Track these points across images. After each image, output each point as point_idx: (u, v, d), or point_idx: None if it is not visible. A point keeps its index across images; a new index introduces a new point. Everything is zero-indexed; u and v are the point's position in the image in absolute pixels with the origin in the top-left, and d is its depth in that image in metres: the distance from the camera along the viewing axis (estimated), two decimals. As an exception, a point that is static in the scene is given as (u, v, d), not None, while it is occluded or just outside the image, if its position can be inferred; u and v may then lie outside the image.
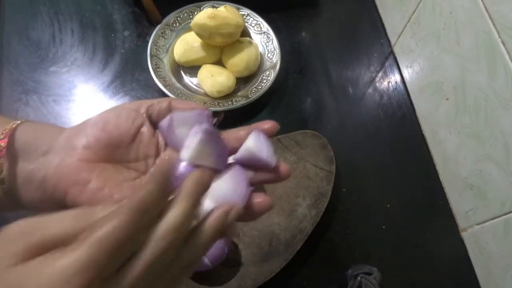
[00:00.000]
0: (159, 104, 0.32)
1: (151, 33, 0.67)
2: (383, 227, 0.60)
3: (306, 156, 0.60)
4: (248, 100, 0.63)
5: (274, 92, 0.67)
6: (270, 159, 0.30)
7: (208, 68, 0.65)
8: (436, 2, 0.58)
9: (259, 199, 0.29)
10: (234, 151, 0.31)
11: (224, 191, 0.28)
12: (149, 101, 0.33)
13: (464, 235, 0.59)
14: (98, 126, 0.30)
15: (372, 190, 0.62)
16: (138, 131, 0.32)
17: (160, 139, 0.33)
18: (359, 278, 0.53)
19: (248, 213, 0.29)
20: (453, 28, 0.55)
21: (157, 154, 0.33)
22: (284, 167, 0.31)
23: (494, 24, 0.47)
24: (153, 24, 0.70)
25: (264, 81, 0.66)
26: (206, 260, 0.49)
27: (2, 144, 0.29)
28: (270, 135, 0.31)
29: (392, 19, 0.73)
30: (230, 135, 0.32)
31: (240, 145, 0.31)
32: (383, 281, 0.53)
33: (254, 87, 0.65)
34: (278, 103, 0.68)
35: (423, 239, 0.59)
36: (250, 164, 0.31)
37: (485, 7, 0.48)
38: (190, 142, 0.28)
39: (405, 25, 0.68)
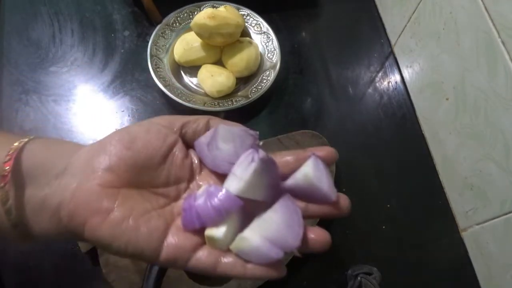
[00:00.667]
0: (196, 122, 0.28)
1: (151, 33, 0.67)
2: (383, 227, 0.60)
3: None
4: (248, 100, 0.63)
5: (274, 92, 0.67)
6: (331, 191, 0.26)
7: (208, 68, 0.65)
8: (436, 2, 0.58)
9: (313, 235, 0.26)
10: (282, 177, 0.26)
11: (277, 226, 0.24)
12: (184, 118, 0.29)
13: (464, 235, 0.59)
14: (123, 144, 0.26)
15: (372, 190, 0.62)
16: (170, 151, 0.27)
17: (195, 161, 0.29)
18: (359, 278, 0.53)
19: (301, 250, 0.25)
20: (453, 28, 0.55)
21: (190, 178, 0.29)
22: (344, 201, 0.27)
23: (494, 24, 0.47)
24: (153, 24, 0.70)
25: (264, 81, 0.66)
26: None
27: (7, 167, 0.25)
28: (329, 164, 0.27)
29: (392, 19, 0.73)
30: (275, 158, 0.27)
31: (288, 171, 0.26)
32: (383, 281, 0.53)
33: (254, 87, 0.65)
34: (278, 103, 0.68)
35: (423, 239, 0.59)
36: (304, 194, 0.26)
37: (485, 7, 0.48)
38: (242, 171, 0.24)
39: (405, 25, 0.68)
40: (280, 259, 0.23)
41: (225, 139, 0.26)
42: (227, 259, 0.25)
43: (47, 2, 0.73)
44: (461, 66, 0.55)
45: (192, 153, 0.29)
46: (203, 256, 0.26)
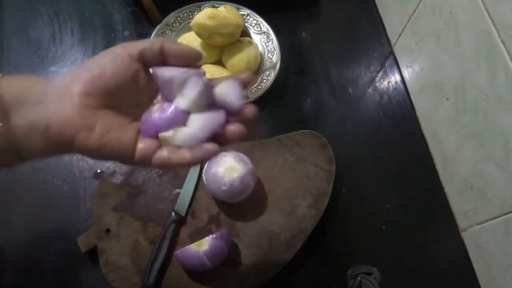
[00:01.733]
0: (151, 48, 0.32)
1: (151, 33, 0.67)
2: (383, 227, 0.60)
3: (306, 156, 0.60)
4: (248, 100, 0.63)
5: (274, 92, 0.67)
6: (235, 101, 0.33)
7: (208, 68, 0.65)
8: (436, 2, 0.58)
9: (232, 127, 0.33)
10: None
11: (204, 119, 0.32)
12: (140, 44, 0.32)
13: (464, 235, 0.59)
14: (94, 73, 0.31)
15: (372, 190, 0.62)
16: (135, 77, 0.32)
17: (154, 85, 0.34)
18: (359, 278, 0.53)
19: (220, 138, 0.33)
20: (453, 28, 0.55)
21: (151, 99, 0.34)
22: (249, 108, 0.33)
23: (494, 24, 0.47)
24: (153, 24, 0.70)
25: (264, 81, 0.66)
26: (206, 260, 0.49)
27: None
28: (246, 86, 0.34)
29: (392, 19, 0.73)
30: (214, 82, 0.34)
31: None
32: (383, 281, 0.53)
33: (254, 87, 0.65)
34: (278, 103, 0.68)
35: (423, 239, 0.59)
36: (223, 106, 0.33)
37: (485, 7, 0.48)
38: (189, 92, 0.31)
39: (405, 25, 0.68)
40: (207, 137, 0.31)
41: (173, 72, 0.32)
42: (177, 151, 0.32)
43: (47, 2, 0.73)
44: (461, 66, 0.55)
45: (152, 77, 0.34)
46: (160, 153, 0.32)
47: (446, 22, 0.56)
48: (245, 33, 0.70)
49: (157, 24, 0.68)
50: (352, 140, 0.66)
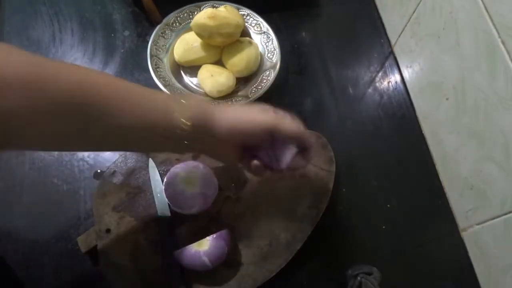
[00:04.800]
0: (284, 131, 0.47)
1: (151, 33, 0.67)
2: (383, 227, 0.60)
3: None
4: (248, 100, 0.63)
5: (274, 92, 0.67)
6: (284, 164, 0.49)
7: (208, 68, 0.65)
8: (436, 2, 0.58)
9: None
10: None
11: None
12: (280, 123, 0.47)
13: (464, 235, 0.59)
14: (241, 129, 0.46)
15: (372, 190, 0.62)
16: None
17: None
18: (359, 278, 0.53)
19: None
20: (453, 28, 0.55)
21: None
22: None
23: (494, 24, 0.47)
24: (153, 24, 0.70)
25: (264, 81, 0.66)
26: (206, 260, 0.49)
27: (189, 123, 0.43)
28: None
29: (392, 19, 0.73)
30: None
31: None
32: (383, 281, 0.53)
33: (254, 87, 0.65)
34: (278, 103, 0.67)
35: (423, 239, 0.59)
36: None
37: (485, 7, 0.48)
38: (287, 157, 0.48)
39: (405, 25, 0.68)
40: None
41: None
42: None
43: (47, 2, 0.73)
44: (461, 66, 0.55)
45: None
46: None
47: (446, 22, 0.56)
48: (245, 33, 0.70)
49: (157, 24, 0.68)
50: (352, 140, 0.66)
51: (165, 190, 0.54)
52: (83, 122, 0.38)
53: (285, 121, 0.49)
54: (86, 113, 0.37)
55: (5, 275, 0.53)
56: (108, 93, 0.39)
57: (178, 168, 0.54)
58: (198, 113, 0.44)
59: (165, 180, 0.54)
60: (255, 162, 0.49)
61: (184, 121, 0.43)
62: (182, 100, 0.45)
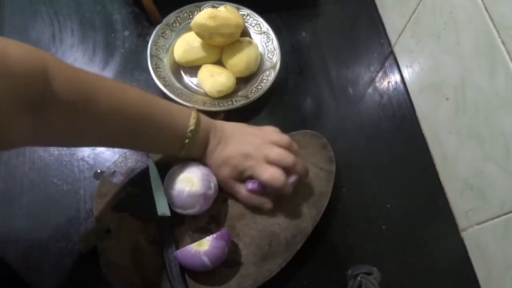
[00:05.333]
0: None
1: (151, 33, 0.67)
2: (383, 227, 0.60)
3: (306, 156, 0.60)
4: (248, 100, 0.63)
5: (274, 92, 0.67)
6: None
7: (208, 68, 0.65)
8: (436, 2, 0.58)
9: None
10: None
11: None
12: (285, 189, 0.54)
13: (464, 235, 0.59)
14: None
15: (372, 190, 0.62)
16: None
17: None
18: (359, 278, 0.53)
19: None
20: (453, 28, 0.55)
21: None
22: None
23: (494, 24, 0.47)
24: (153, 24, 0.70)
25: (264, 81, 0.66)
26: (206, 260, 0.49)
27: (189, 134, 0.51)
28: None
29: (392, 19, 0.73)
30: None
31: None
32: (383, 281, 0.53)
33: (254, 87, 0.65)
34: (278, 103, 0.68)
35: (423, 239, 0.59)
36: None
37: (485, 7, 0.48)
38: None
39: (405, 25, 0.68)
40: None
41: None
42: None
43: (47, 2, 0.73)
44: (461, 66, 0.55)
45: None
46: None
47: (446, 22, 0.56)
48: (245, 33, 0.70)
49: (157, 24, 0.68)
50: (352, 140, 0.66)
51: (165, 190, 0.54)
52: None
53: (288, 187, 0.54)
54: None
55: (7, 275, 0.53)
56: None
57: (178, 169, 0.54)
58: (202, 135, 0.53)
59: (165, 180, 0.54)
60: (247, 189, 0.55)
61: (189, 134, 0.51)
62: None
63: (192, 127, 0.50)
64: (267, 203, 0.55)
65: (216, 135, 0.54)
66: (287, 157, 0.53)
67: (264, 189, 0.54)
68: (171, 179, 0.53)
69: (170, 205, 0.54)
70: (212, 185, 0.54)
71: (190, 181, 0.53)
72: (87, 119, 0.43)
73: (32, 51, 0.38)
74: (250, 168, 0.53)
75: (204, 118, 0.54)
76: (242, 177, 0.55)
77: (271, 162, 0.53)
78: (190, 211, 0.53)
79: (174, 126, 0.50)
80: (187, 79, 0.68)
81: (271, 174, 0.52)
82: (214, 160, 0.54)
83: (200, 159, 0.55)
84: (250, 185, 0.54)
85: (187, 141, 0.51)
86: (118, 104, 0.45)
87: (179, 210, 0.54)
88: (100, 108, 0.43)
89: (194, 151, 0.54)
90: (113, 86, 0.46)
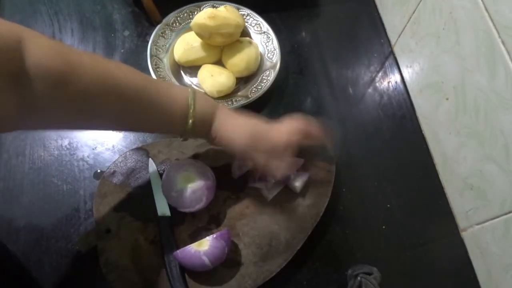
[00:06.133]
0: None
1: (151, 33, 0.67)
2: (383, 227, 0.60)
3: (306, 156, 0.60)
4: (248, 100, 0.63)
5: (274, 92, 0.67)
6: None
7: (208, 68, 0.65)
8: (436, 2, 0.58)
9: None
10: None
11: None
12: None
13: (464, 235, 0.59)
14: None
15: (372, 190, 0.62)
16: None
17: None
18: (359, 278, 0.53)
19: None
20: (453, 28, 0.55)
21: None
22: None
23: (494, 24, 0.47)
24: (153, 24, 0.70)
25: (264, 81, 0.66)
26: (206, 260, 0.49)
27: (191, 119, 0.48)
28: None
29: (392, 19, 0.73)
30: None
31: None
32: (383, 281, 0.53)
33: (254, 87, 0.65)
34: (278, 103, 0.68)
35: (423, 239, 0.59)
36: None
37: (485, 7, 0.48)
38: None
39: (405, 25, 0.68)
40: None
41: None
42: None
43: (47, 2, 0.73)
44: (461, 66, 0.55)
45: None
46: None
47: (446, 22, 0.56)
48: (245, 33, 0.70)
49: (157, 24, 0.68)
50: (352, 140, 0.66)
51: (167, 196, 0.54)
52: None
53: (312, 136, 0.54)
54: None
55: (15, 269, 0.53)
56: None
57: (172, 171, 0.54)
58: (203, 112, 0.49)
59: (162, 187, 0.54)
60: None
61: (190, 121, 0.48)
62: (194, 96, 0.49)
63: (191, 95, 0.48)
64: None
65: (222, 109, 0.51)
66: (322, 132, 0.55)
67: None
68: (170, 183, 0.53)
69: (177, 207, 0.54)
70: (209, 174, 0.55)
71: (189, 178, 0.53)
72: (72, 93, 0.39)
73: (6, 24, 0.36)
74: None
75: (201, 94, 0.52)
76: (259, 148, 0.51)
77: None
78: (198, 206, 0.53)
79: (173, 99, 0.47)
80: (187, 79, 0.68)
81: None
82: (230, 128, 0.50)
83: (207, 138, 0.52)
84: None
85: (191, 110, 0.47)
86: (106, 79, 0.42)
87: (187, 209, 0.54)
88: (85, 81, 0.40)
89: (199, 126, 0.49)
90: (100, 61, 0.42)
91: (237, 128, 0.50)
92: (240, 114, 0.52)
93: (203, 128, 0.50)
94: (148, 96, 0.45)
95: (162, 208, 0.55)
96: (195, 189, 0.52)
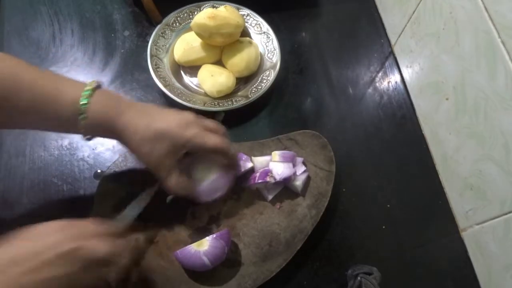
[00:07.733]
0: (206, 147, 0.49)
1: (151, 33, 0.67)
2: (383, 227, 0.60)
3: (306, 156, 0.60)
4: (248, 100, 0.63)
5: (274, 92, 0.67)
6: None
7: (208, 68, 0.65)
8: (436, 2, 0.58)
9: None
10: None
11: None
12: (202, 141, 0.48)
13: (464, 235, 0.59)
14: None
15: (372, 190, 0.62)
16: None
17: None
18: (359, 278, 0.53)
19: None
20: (453, 28, 0.55)
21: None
22: None
23: (494, 24, 0.47)
24: (153, 24, 0.70)
25: (264, 81, 0.66)
26: (206, 260, 0.49)
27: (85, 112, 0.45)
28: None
29: (392, 19, 0.73)
30: None
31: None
32: (383, 281, 0.53)
33: (254, 87, 0.65)
34: (278, 103, 0.68)
35: (423, 239, 0.59)
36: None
37: (485, 7, 0.48)
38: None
39: (405, 25, 0.68)
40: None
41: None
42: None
43: (47, 2, 0.73)
44: (461, 66, 0.55)
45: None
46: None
47: (446, 22, 0.56)
48: (245, 33, 0.70)
49: (157, 24, 0.68)
50: (352, 140, 0.66)
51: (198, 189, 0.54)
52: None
53: (209, 138, 0.49)
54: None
55: None
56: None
57: (195, 163, 0.54)
58: (101, 109, 0.46)
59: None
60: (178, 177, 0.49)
61: (81, 116, 0.45)
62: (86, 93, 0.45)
63: (84, 99, 0.44)
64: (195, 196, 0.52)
65: (131, 109, 0.47)
66: (222, 127, 0.52)
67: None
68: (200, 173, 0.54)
69: (201, 199, 0.54)
70: (219, 162, 0.55)
71: (204, 171, 0.54)
72: None
73: None
74: (193, 137, 0.47)
75: (105, 91, 0.48)
76: (180, 154, 0.49)
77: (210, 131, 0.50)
78: (221, 193, 0.54)
79: (60, 99, 0.44)
80: (187, 79, 0.68)
81: (218, 140, 0.49)
82: (142, 137, 0.46)
83: (122, 141, 0.48)
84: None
85: (82, 116, 0.44)
86: None
87: (211, 196, 0.54)
88: None
89: (97, 129, 0.47)
90: None
91: (150, 135, 0.47)
92: (146, 112, 0.48)
93: (102, 127, 0.47)
94: (23, 94, 0.43)
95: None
96: (213, 179, 0.53)
